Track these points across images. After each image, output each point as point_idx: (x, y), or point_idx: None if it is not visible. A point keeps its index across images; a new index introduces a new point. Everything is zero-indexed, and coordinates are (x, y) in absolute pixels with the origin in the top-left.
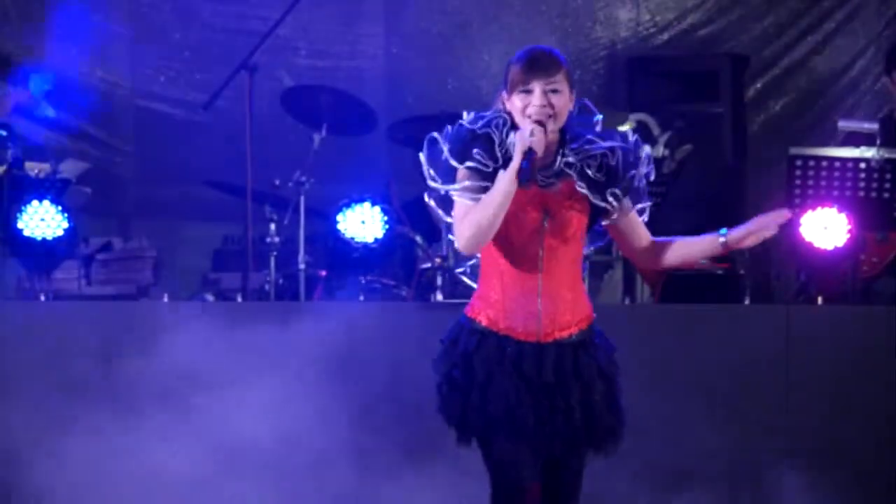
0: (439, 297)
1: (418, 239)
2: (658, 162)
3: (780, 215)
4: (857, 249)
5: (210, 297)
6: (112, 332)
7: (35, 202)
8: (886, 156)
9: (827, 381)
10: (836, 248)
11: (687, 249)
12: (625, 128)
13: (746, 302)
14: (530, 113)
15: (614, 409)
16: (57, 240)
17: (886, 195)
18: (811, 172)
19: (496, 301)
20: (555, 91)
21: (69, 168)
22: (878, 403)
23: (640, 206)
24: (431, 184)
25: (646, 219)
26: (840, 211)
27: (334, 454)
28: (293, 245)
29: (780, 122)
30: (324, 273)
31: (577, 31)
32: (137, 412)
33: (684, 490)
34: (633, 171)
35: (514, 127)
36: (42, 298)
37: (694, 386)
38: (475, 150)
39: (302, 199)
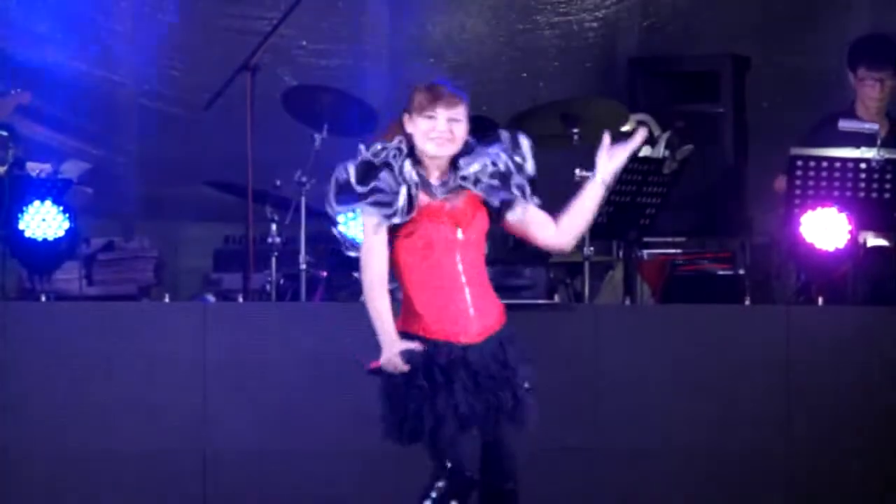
0: None
1: None
2: (659, 162)
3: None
4: (858, 249)
5: (211, 298)
6: (113, 332)
7: (36, 202)
8: (887, 156)
9: (827, 382)
10: (837, 249)
11: (577, 209)
12: (626, 128)
13: (747, 302)
14: (433, 136)
15: (529, 392)
16: (58, 240)
17: (887, 195)
18: (812, 173)
19: (429, 315)
20: (456, 121)
21: (70, 168)
22: (879, 403)
23: (534, 200)
24: (335, 208)
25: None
26: (840, 211)
27: (333, 456)
28: (294, 245)
29: (779, 122)
30: (325, 274)
31: (578, 30)
32: (138, 412)
33: (683, 488)
34: (515, 172)
35: (411, 154)
36: (43, 299)
37: (694, 386)
38: (381, 174)
39: (303, 199)
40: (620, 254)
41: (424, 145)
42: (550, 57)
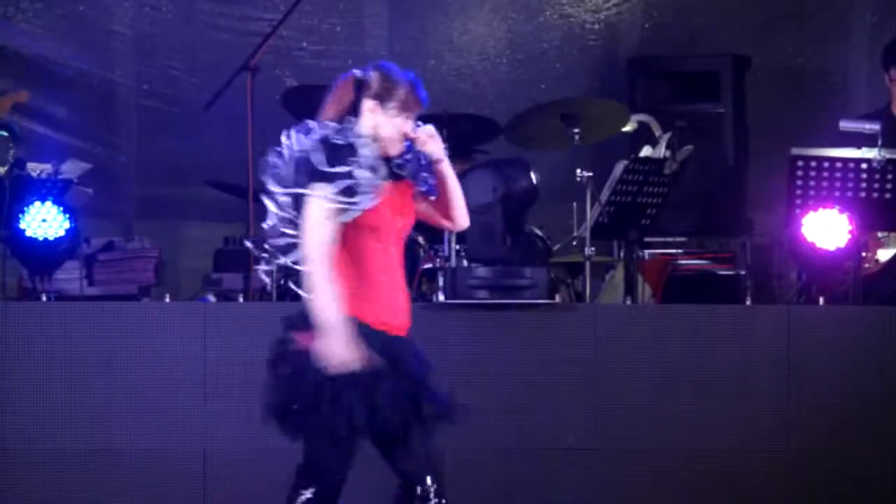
0: (441, 297)
1: (420, 239)
2: (660, 162)
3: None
4: (859, 250)
5: (211, 298)
6: (113, 332)
7: (37, 203)
8: (888, 156)
9: (827, 382)
10: (838, 249)
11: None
12: (627, 128)
13: (748, 302)
14: (412, 137)
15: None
16: (58, 240)
17: (888, 196)
18: (812, 173)
19: (374, 298)
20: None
21: (71, 168)
22: (879, 403)
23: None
24: (290, 189)
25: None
26: (841, 211)
27: None
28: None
29: (779, 122)
30: None
31: (579, 31)
32: (138, 412)
33: (684, 488)
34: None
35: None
36: (44, 299)
37: (695, 386)
38: (348, 159)
39: None
40: (621, 254)
41: (390, 140)
42: (551, 58)
